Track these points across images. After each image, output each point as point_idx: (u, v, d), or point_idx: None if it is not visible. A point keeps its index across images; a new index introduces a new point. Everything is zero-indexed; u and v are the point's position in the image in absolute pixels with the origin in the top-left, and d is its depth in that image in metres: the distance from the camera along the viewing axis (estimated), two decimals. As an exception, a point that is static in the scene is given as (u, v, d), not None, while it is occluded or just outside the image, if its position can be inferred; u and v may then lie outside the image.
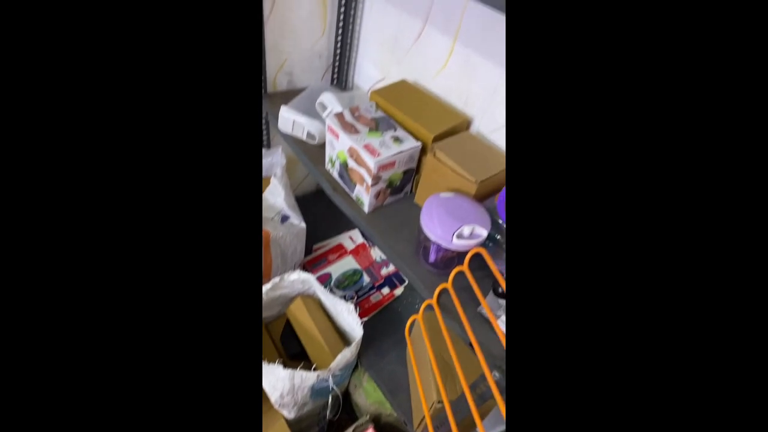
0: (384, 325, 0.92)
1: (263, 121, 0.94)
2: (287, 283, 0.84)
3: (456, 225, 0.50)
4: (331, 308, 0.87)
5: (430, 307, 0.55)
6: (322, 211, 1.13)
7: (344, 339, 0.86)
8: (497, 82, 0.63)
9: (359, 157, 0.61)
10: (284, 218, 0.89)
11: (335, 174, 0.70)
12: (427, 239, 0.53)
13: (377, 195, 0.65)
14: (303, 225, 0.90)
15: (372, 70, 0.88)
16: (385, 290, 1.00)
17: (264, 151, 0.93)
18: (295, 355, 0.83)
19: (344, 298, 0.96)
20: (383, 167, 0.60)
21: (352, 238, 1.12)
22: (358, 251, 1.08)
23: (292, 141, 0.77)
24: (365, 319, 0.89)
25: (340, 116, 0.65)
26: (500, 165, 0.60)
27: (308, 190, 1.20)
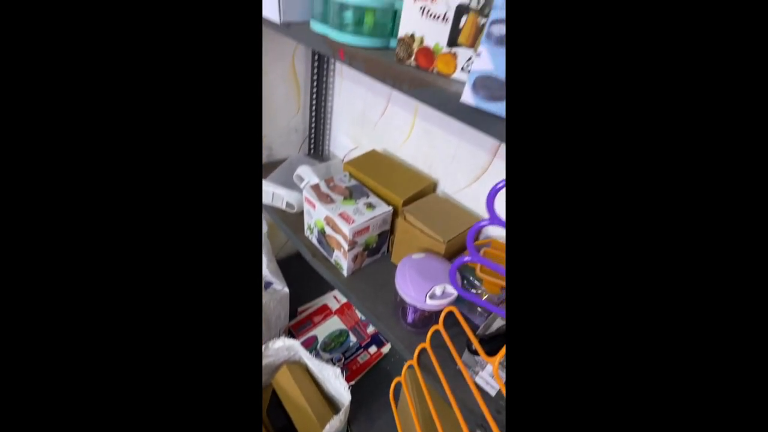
0: (373, 387, 0.91)
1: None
2: (272, 352, 0.84)
3: (428, 286, 0.53)
4: (318, 374, 0.85)
5: (413, 366, 0.56)
6: (305, 272, 1.15)
7: (333, 406, 0.84)
8: (455, 150, 0.70)
9: (335, 225, 0.65)
10: (267, 285, 0.91)
11: (314, 240, 0.74)
12: (403, 300, 0.56)
13: (355, 258, 0.68)
14: (286, 290, 0.91)
15: (345, 140, 0.96)
16: (372, 349, 1.00)
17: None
18: (282, 428, 0.80)
19: (331, 360, 0.95)
20: (358, 233, 0.64)
21: (337, 298, 1.13)
22: (343, 310, 1.09)
23: (273, 210, 0.81)
24: (352, 383, 0.88)
25: (316, 187, 0.70)
26: (466, 223, 0.65)
27: (290, 253, 1.22)
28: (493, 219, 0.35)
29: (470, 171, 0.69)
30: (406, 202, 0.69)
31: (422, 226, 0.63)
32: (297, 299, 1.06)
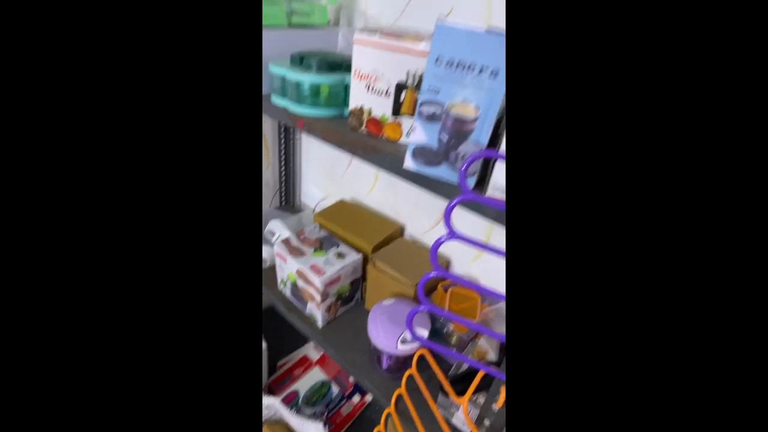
0: (358, 439, 0.88)
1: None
2: (251, 413, 0.81)
3: (399, 331, 0.55)
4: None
5: (391, 414, 0.56)
6: (282, 325, 1.13)
7: (318, 465, 0.81)
8: (416, 198, 0.75)
9: (306, 277, 0.66)
10: (244, 341, 0.89)
11: (288, 293, 0.75)
12: (376, 348, 0.57)
13: (328, 309, 0.69)
14: (264, 345, 0.90)
15: (315, 190, 1.00)
16: (356, 398, 0.98)
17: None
18: (265, 498, 0.76)
19: (314, 415, 0.92)
20: (329, 283, 0.66)
21: (317, 347, 1.11)
22: (324, 360, 1.07)
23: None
24: (337, 437, 0.85)
25: (286, 241, 0.72)
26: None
27: (266, 306, 1.21)
28: (451, 233, 0.36)
29: (432, 214, 0.74)
30: (376, 248, 0.72)
31: (392, 272, 0.65)
32: (275, 353, 1.04)
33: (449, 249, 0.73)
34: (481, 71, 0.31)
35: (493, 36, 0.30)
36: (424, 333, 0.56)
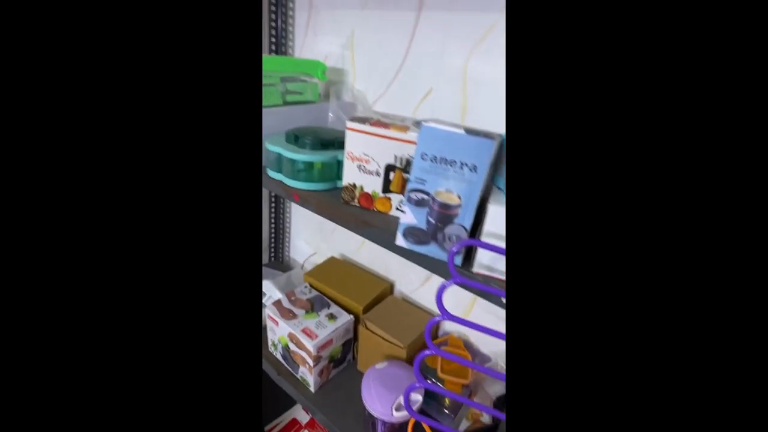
0: None
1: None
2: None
3: (393, 396, 0.55)
4: (290, 508, 0.78)
5: (387, 487, 0.55)
6: (269, 386, 1.09)
7: None
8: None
9: (299, 342, 0.66)
10: (230, 408, 0.85)
11: (279, 356, 0.74)
12: (371, 414, 0.57)
13: (321, 372, 0.68)
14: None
15: (304, 246, 1.02)
16: (348, 465, 0.93)
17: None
18: None
19: (304, 488, 0.87)
20: (322, 347, 0.66)
21: (307, 410, 1.07)
22: (314, 424, 1.03)
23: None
24: None
25: (278, 303, 0.73)
26: (423, 323, 0.69)
27: (255, 363, 1.17)
28: (444, 314, 0.38)
29: (421, 272, 0.76)
30: (366, 308, 0.73)
31: (383, 333, 0.66)
32: (263, 416, 0.99)
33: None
34: (461, 166, 0.35)
35: (470, 137, 0.34)
36: (418, 397, 0.56)
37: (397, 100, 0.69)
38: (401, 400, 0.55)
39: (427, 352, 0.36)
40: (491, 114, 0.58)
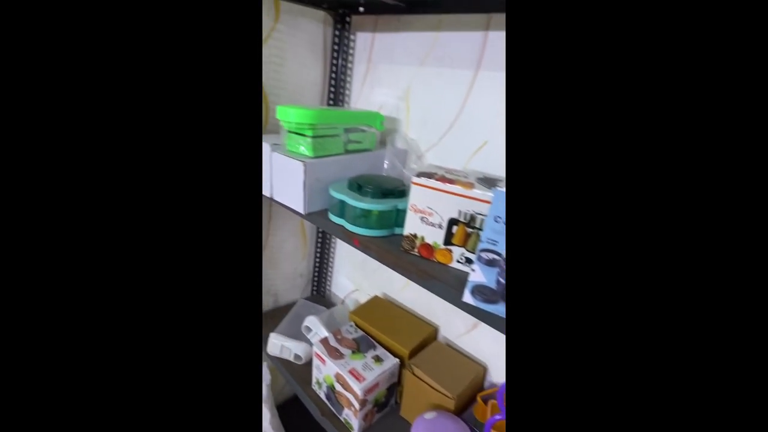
0: None
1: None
2: None
3: (444, 451, 0.54)
4: None
5: None
6: (313, 425, 1.08)
7: None
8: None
9: (346, 383, 0.67)
10: (268, 444, 0.86)
11: (322, 395, 0.74)
12: (419, 468, 0.56)
13: (365, 417, 0.68)
14: (288, 448, 0.86)
15: (346, 282, 1.04)
16: None
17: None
18: None
19: None
20: (369, 390, 0.66)
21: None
22: (346, 466, 1.00)
23: (279, 362, 0.83)
24: None
25: (324, 341, 0.74)
26: (471, 372, 0.68)
27: (288, 396, 1.17)
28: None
29: (467, 318, 0.76)
30: (413, 353, 0.73)
31: (431, 381, 0.66)
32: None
33: (485, 355, 0.74)
34: (535, 230, 0.36)
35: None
36: (469, 454, 0.54)
37: (450, 151, 0.72)
38: (452, 455, 0.54)
39: (497, 416, 0.35)
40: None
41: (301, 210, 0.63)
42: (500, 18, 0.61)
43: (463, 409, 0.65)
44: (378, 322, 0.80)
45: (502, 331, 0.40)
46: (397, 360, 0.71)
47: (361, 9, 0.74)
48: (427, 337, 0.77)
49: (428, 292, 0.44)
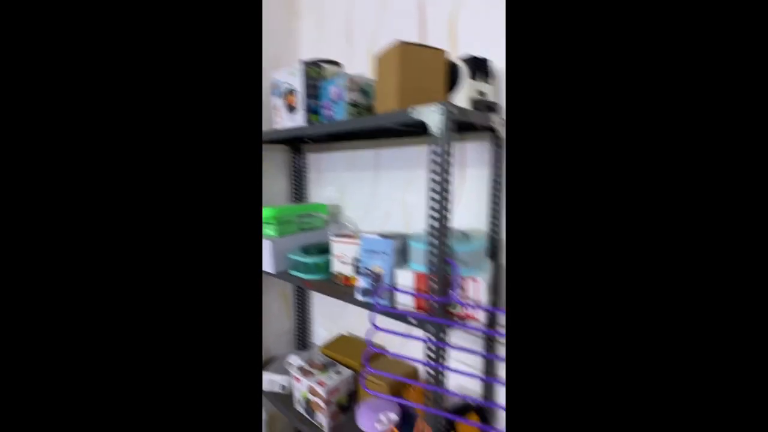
0: None
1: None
2: None
3: (375, 416, 0.81)
4: None
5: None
6: (300, 460, 1.26)
7: None
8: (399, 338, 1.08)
9: (315, 391, 0.94)
10: (266, 469, 1.06)
11: (302, 410, 1.00)
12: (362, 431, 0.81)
13: (332, 416, 0.93)
14: (282, 471, 1.06)
15: (322, 332, 1.33)
16: None
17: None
18: None
19: None
20: (332, 392, 0.93)
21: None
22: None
23: (270, 395, 1.09)
24: None
25: (300, 367, 1.02)
26: (403, 369, 0.96)
27: (287, 424, 1.35)
28: (376, 328, 0.67)
29: (399, 338, 1.05)
30: (362, 366, 1.00)
31: (373, 378, 0.93)
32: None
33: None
34: (383, 253, 0.72)
35: (383, 239, 0.72)
36: (394, 416, 0.81)
37: (371, 220, 1.10)
38: (380, 416, 0.80)
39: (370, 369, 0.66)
40: (419, 222, 0.97)
41: (272, 270, 0.98)
42: (388, 141, 1.04)
43: (397, 394, 0.92)
44: (340, 350, 1.08)
45: (388, 318, 0.72)
46: (352, 371, 0.99)
47: (308, 141, 1.19)
48: (375, 354, 1.05)
49: (376, 323, 0.76)
